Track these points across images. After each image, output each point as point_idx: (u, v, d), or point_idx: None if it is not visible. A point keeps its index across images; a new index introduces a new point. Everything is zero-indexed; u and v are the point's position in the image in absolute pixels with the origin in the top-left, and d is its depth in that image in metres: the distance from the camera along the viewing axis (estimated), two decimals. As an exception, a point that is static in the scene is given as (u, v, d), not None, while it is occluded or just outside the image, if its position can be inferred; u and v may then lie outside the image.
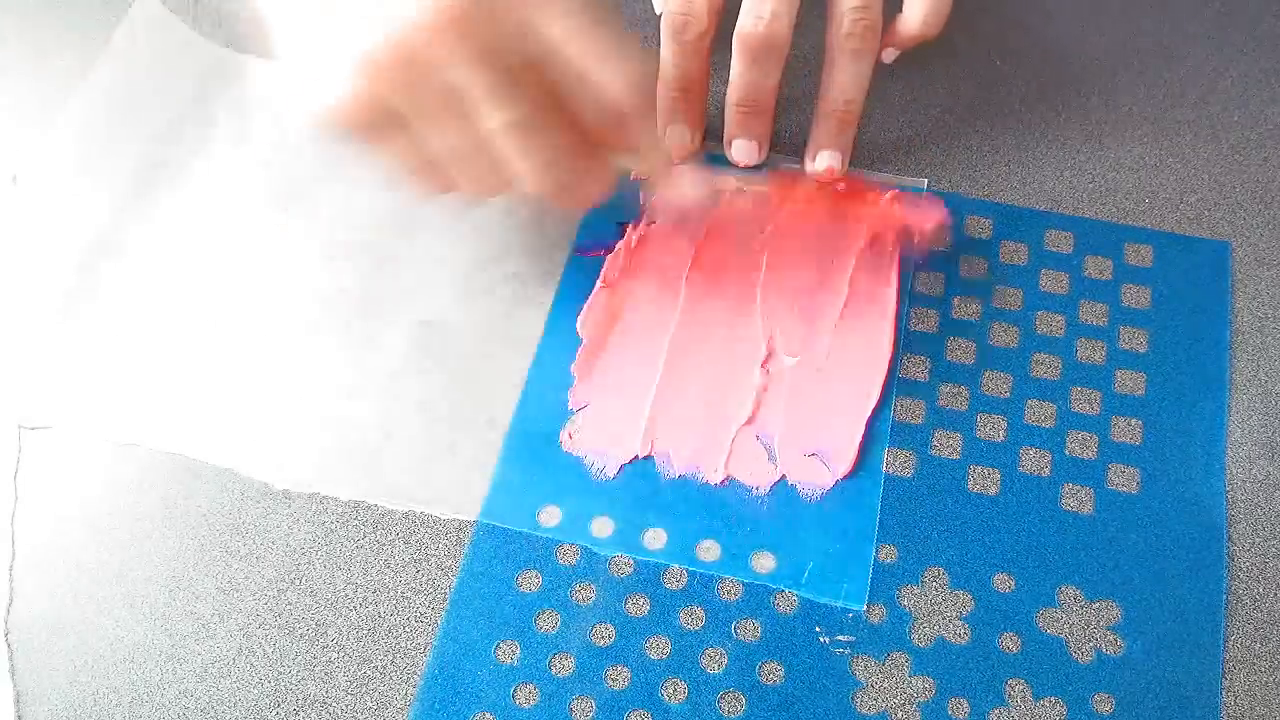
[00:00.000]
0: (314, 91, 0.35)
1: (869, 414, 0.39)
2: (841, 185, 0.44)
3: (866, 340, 0.41)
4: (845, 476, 0.38)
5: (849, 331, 0.41)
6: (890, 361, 0.40)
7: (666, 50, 0.43)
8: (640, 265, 0.43)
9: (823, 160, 0.44)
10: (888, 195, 0.44)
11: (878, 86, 0.45)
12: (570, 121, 0.36)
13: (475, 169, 0.36)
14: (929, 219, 0.43)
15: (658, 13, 0.48)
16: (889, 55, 0.44)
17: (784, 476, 0.38)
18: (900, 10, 0.43)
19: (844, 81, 0.42)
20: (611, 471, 0.39)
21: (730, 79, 0.43)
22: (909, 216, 0.43)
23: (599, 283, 0.42)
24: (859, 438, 0.39)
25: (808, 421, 0.39)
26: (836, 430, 0.39)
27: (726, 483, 0.38)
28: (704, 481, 0.38)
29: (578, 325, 0.42)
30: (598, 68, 0.35)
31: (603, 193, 0.38)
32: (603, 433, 0.39)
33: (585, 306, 0.42)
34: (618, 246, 0.43)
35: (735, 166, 0.45)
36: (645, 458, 0.39)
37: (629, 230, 0.44)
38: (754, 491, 0.38)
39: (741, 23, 0.41)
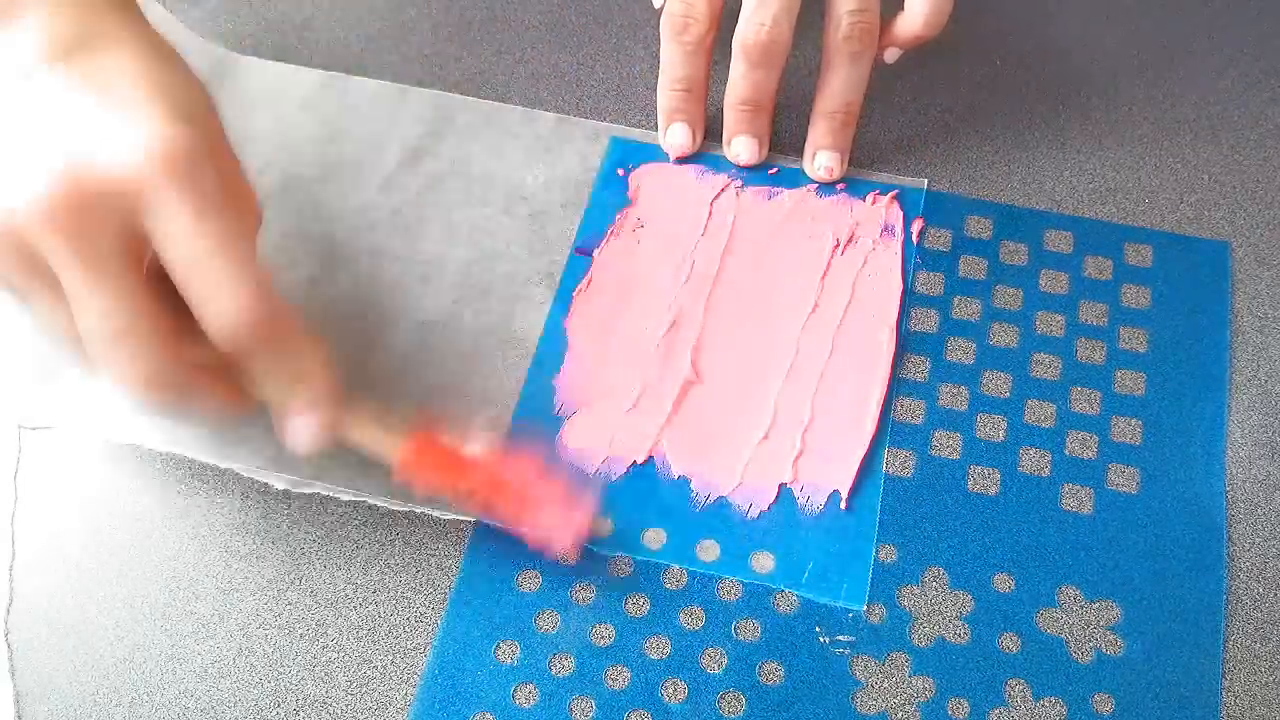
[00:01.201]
0: None
1: (870, 432, 0.39)
2: (841, 186, 0.44)
3: (866, 347, 0.41)
4: (847, 494, 0.38)
5: (849, 337, 0.41)
6: (890, 370, 0.40)
7: (667, 51, 0.43)
8: (634, 266, 0.43)
9: (821, 160, 0.44)
10: (887, 196, 0.44)
11: (878, 86, 0.45)
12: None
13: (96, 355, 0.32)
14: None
15: (656, 6, 0.48)
16: (891, 55, 0.44)
17: (784, 484, 0.38)
18: (901, 9, 0.43)
19: (842, 83, 0.43)
20: (614, 476, 0.39)
21: (729, 80, 0.43)
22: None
23: (585, 283, 0.42)
24: (859, 460, 0.39)
25: (806, 428, 0.39)
26: (836, 445, 0.39)
27: (731, 491, 0.38)
28: (703, 490, 0.38)
29: (566, 325, 0.41)
30: (203, 298, 0.31)
31: (232, 407, 0.35)
32: (601, 439, 0.39)
33: (572, 310, 0.42)
34: (596, 254, 0.43)
35: (736, 165, 0.45)
36: (644, 463, 0.39)
37: (609, 230, 0.44)
38: (754, 496, 0.38)
39: (743, 30, 0.41)
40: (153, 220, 0.31)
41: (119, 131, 0.31)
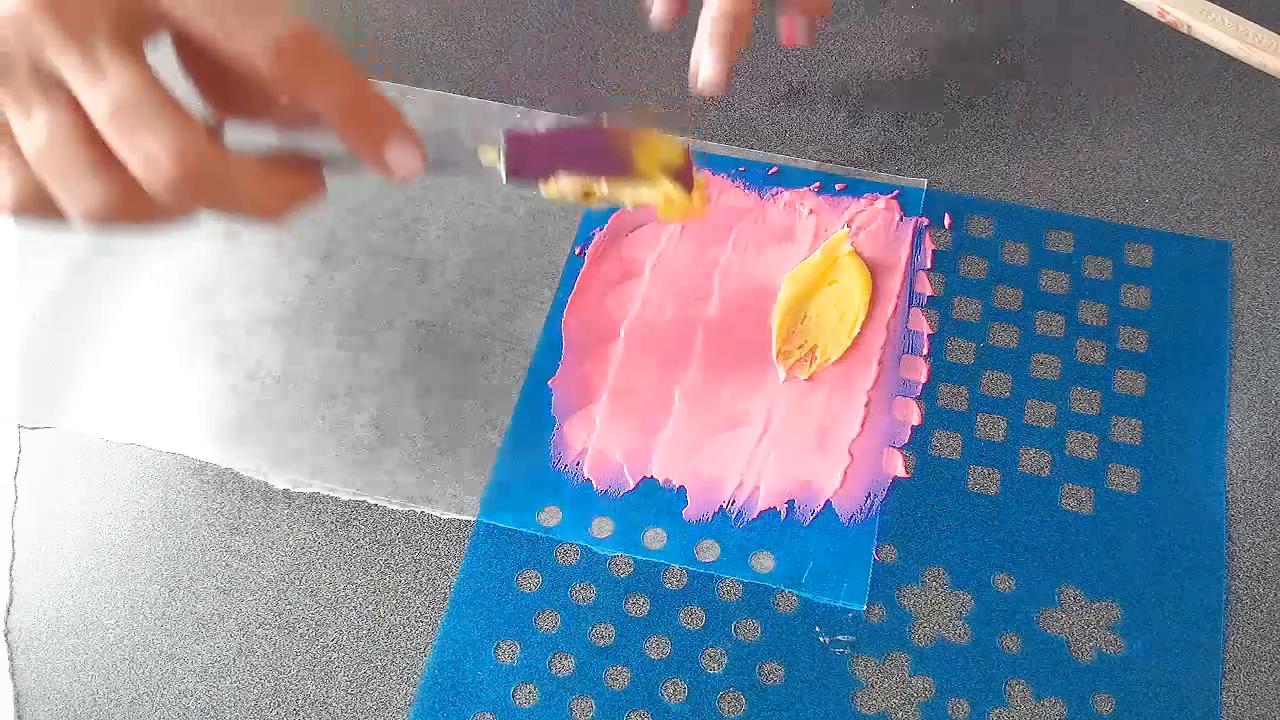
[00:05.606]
0: None
1: (869, 433, 0.39)
2: (841, 186, 0.44)
3: (866, 348, 0.41)
4: (849, 498, 0.38)
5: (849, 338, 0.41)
6: (890, 370, 0.40)
7: None
8: (633, 267, 0.43)
9: (705, 71, 0.39)
10: (887, 196, 0.44)
11: (877, 86, 0.45)
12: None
13: (71, 169, 0.28)
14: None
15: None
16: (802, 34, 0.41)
17: (784, 485, 0.38)
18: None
19: None
20: (613, 483, 0.39)
21: None
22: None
23: (584, 284, 0.42)
24: (844, 464, 0.39)
25: (799, 437, 0.39)
26: (836, 447, 0.39)
27: (728, 503, 0.38)
28: (699, 498, 0.38)
29: (563, 326, 0.41)
30: (227, 33, 0.28)
31: (286, 201, 0.29)
32: (598, 443, 0.39)
33: (569, 311, 0.42)
34: (595, 254, 0.43)
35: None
36: (646, 479, 0.39)
37: (609, 230, 0.43)
38: (753, 497, 0.38)
39: None
40: None
41: None
